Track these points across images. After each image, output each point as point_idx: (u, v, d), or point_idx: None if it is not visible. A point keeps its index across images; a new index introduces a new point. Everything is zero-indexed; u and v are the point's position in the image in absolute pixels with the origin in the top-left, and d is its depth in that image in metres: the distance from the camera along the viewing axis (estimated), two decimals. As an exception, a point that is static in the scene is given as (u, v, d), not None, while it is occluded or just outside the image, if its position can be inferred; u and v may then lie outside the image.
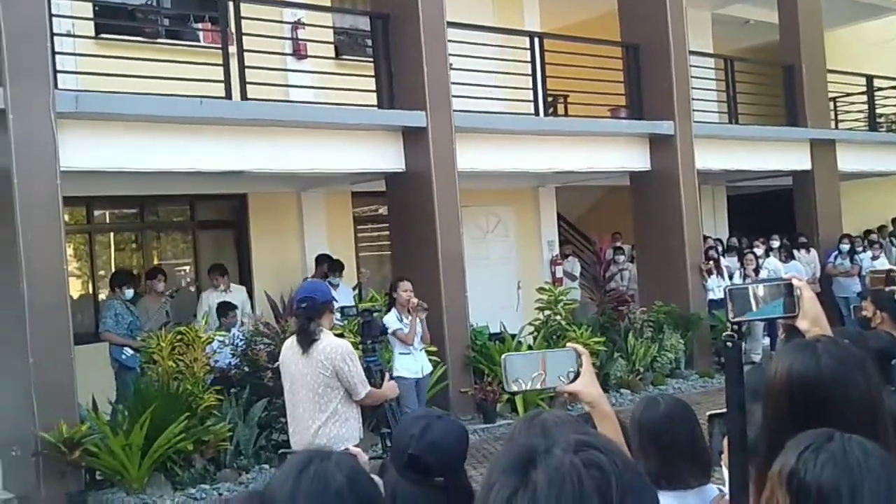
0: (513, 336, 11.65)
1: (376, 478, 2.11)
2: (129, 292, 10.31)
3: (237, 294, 11.46)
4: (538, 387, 2.25)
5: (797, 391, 1.97)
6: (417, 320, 8.95)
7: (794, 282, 2.22)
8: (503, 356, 2.27)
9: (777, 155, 15.66)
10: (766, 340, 14.15)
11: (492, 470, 1.27)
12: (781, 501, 1.63)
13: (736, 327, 2.19)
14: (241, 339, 9.82)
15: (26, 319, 8.11)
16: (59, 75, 8.83)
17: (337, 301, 6.22)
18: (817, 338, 2.09)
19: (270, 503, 1.71)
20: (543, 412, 2.09)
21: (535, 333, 11.86)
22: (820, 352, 2.00)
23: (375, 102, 11.28)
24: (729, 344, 2.17)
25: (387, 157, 11.18)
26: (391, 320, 8.86)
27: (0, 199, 8.28)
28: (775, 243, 16.26)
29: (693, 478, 2.93)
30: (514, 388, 2.20)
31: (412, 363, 9.07)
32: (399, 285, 8.90)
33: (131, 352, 9.91)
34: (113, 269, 12.21)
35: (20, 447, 8.21)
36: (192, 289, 12.76)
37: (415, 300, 8.89)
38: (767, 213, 17.85)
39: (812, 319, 2.20)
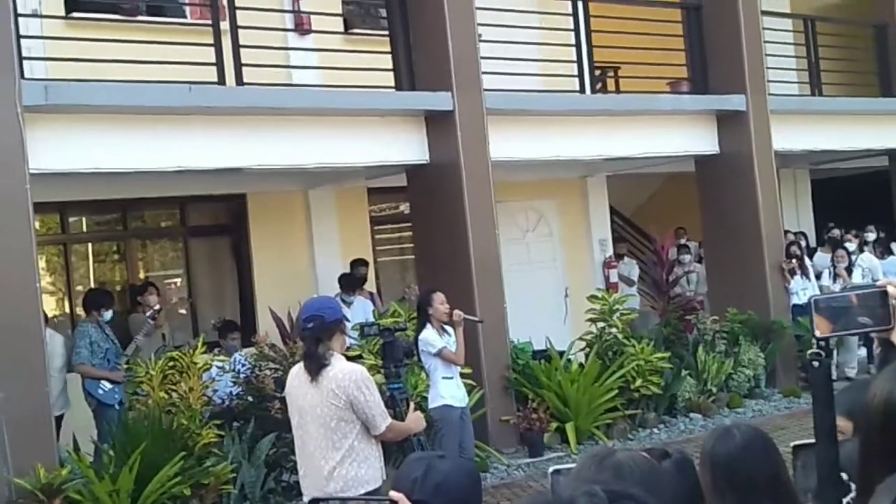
0: (560, 353, 11.65)
1: None
2: (108, 314, 10.38)
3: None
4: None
5: (894, 421, 1.97)
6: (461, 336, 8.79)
7: (890, 289, 2.22)
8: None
9: (869, 131, 15.54)
10: (863, 351, 14.04)
11: None
12: None
13: (823, 343, 2.19)
14: (244, 365, 9.89)
15: (-6, 347, 8.22)
16: (25, 63, 8.94)
17: (350, 320, 6.24)
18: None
19: None
20: (617, 452, 2.10)
21: (587, 349, 11.86)
22: None
23: (393, 83, 11.33)
24: (815, 363, 2.18)
25: (407, 147, 11.22)
26: (433, 337, 8.57)
27: (-39, 207, 8.39)
28: (870, 236, 16.17)
29: None
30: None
31: (457, 389, 8.78)
32: (433, 298, 8.68)
33: (109, 386, 10.00)
34: (92, 284, 12.35)
35: (-9, 496, 8.32)
36: (185, 310, 12.86)
37: (459, 312, 8.74)
38: (860, 200, 17.71)
39: None
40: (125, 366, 10.03)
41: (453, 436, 8.43)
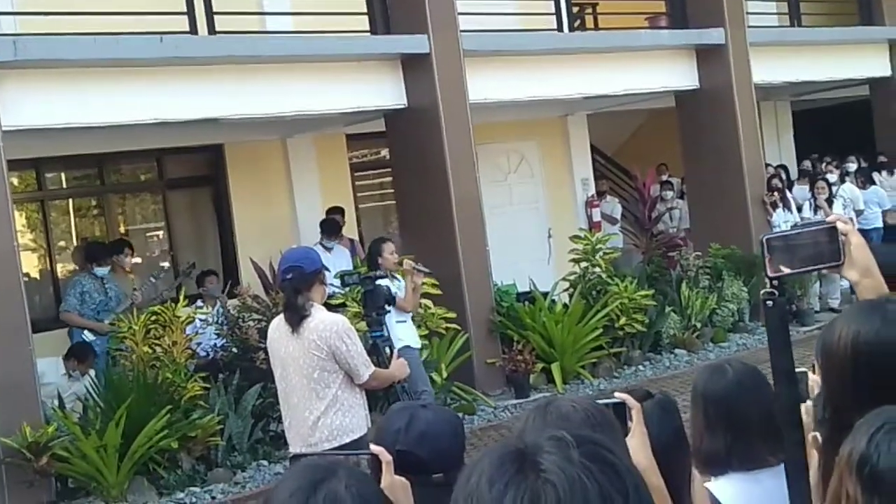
0: (544, 294, 11.69)
1: (404, 480, 2.16)
2: (101, 270, 10.40)
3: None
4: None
5: (863, 360, 1.99)
6: (412, 285, 8.90)
7: (840, 225, 2.22)
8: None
9: (850, 61, 15.51)
10: (846, 283, 14.10)
11: (482, 473, 1.31)
12: (851, 490, 1.65)
13: (776, 282, 2.19)
14: (224, 318, 9.91)
15: (-26, 307, 8.21)
16: (-8, 18, 8.84)
17: (329, 270, 6.24)
18: (888, 298, 2.10)
19: None
20: (559, 399, 2.12)
21: (571, 290, 11.91)
22: (891, 316, 2.01)
23: (367, 27, 11.23)
24: (769, 303, 2.18)
25: (385, 92, 11.16)
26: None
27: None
28: (851, 166, 16.19)
29: (770, 454, 2.94)
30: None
31: (412, 331, 8.95)
32: (383, 247, 8.87)
33: (92, 336, 10.04)
34: (74, 240, 12.34)
35: (-22, 455, 8.35)
36: (166, 263, 12.85)
37: (410, 262, 8.87)
38: (841, 130, 17.71)
39: (863, 270, 2.21)
40: (109, 322, 10.05)
41: (418, 376, 8.53)
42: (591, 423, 1.98)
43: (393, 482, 2.16)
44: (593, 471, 1.27)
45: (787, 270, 2.22)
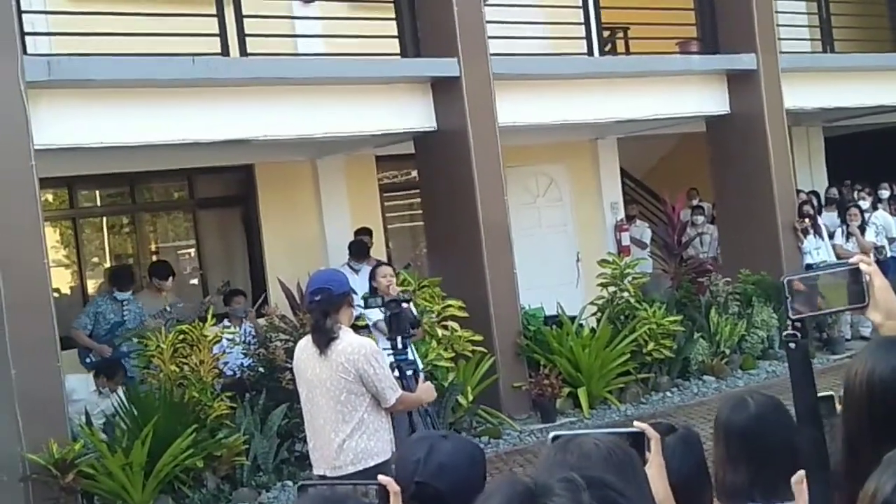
0: (572, 318, 11.64)
1: None
2: (122, 294, 10.46)
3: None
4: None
5: (878, 397, 1.97)
6: None
7: (863, 266, 2.21)
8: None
9: (883, 87, 15.38)
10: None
11: None
12: None
13: (798, 324, 2.18)
14: (253, 336, 9.94)
15: (4, 323, 8.26)
16: (27, 38, 8.93)
17: (357, 293, 6.25)
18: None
19: None
20: (580, 435, 2.10)
21: (599, 314, 11.86)
22: None
23: (398, 50, 11.28)
24: (792, 345, 2.17)
25: (414, 114, 11.19)
26: (370, 311, 8.82)
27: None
28: (884, 193, 16.05)
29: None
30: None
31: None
32: (377, 271, 9.01)
33: (97, 357, 10.15)
34: (106, 257, 12.45)
35: (6, 472, 8.37)
36: (195, 280, 12.92)
37: (397, 288, 8.91)
38: (874, 157, 17.59)
39: (887, 311, 2.19)
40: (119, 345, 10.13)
41: None
42: (612, 462, 1.96)
43: None
44: None
45: (810, 312, 2.21)
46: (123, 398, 9.06)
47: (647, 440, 2.18)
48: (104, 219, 12.88)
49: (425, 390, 6.20)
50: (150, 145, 9.82)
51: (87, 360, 10.23)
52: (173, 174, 12.74)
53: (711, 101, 13.62)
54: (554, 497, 1.27)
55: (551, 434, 2.14)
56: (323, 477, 5.51)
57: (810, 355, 2.21)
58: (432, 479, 2.51)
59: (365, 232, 12.37)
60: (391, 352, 6.68)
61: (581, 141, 15.24)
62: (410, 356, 7.06)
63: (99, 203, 12.99)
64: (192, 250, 13.25)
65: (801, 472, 2.17)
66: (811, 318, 2.21)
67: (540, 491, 1.29)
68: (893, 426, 1.91)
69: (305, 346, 5.77)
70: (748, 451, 2.99)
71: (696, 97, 13.53)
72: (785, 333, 2.19)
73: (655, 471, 2.21)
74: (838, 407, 2.65)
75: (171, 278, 11.05)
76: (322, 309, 5.60)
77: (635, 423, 2.26)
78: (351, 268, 11.27)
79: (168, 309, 10.57)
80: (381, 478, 2.11)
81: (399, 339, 6.83)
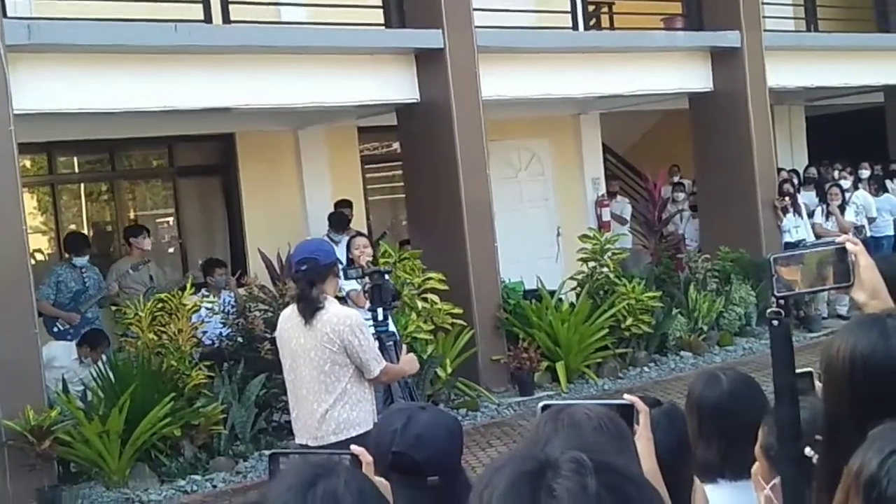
0: (551, 293, 11.68)
1: (383, 481, 2.16)
2: (79, 259, 10.46)
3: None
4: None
5: (860, 374, 1.99)
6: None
7: (849, 246, 2.22)
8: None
9: (866, 67, 15.44)
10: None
11: (494, 488, 1.29)
12: None
13: (782, 302, 2.20)
14: (232, 306, 9.93)
15: (-20, 290, 8.23)
16: (7, 1, 8.84)
17: (342, 263, 6.24)
18: (888, 312, 2.10)
19: None
20: (574, 405, 2.12)
21: (579, 289, 11.90)
22: (890, 329, 2.02)
23: (382, 21, 11.23)
24: (775, 322, 2.18)
25: (397, 86, 11.16)
26: (343, 281, 8.79)
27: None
28: (864, 173, 16.13)
29: None
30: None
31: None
32: (353, 242, 8.94)
33: (64, 326, 10.11)
34: (84, 224, 12.39)
35: (-18, 438, 8.38)
36: (172, 249, 12.89)
37: (368, 259, 8.84)
38: (855, 137, 17.65)
39: (871, 291, 2.21)
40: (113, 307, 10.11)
41: None
42: (603, 433, 1.97)
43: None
44: None
45: (794, 290, 2.23)
46: (102, 367, 9.04)
47: (635, 413, 2.19)
48: (82, 185, 12.81)
49: (408, 362, 6.20)
50: (131, 112, 9.76)
51: (55, 330, 10.20)
52: (153, 142, 12.66)
53: (695, 77, 13.63)
54: (560, 478, 1.26)
55: (541, 403, 2.16)
56: (304, 446, 5.52)
57: (790, 335, 2.23)
58: (409, 449, 2.53)
59: (345, 204, 12.34)
60: (372, 323, 6.66)
61: (564, 116, 15.23)
62: (391, 328, 7.05)
63: (77, 170, 12.91)
64: (171, 219, 13.20)
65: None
66: (796, 296, 2.23)
67: (548, 466, 1.28)
68: (875, 403, 1.92)
69: (290, 315, 5.73)
70: (720, 427, 3.01)
71: (680, 74, 13.53)
72: (769, 311, 2.21)
73: (644, 444, 2.23)
74: (817, 384, 2.69)
75: (146, 237, 10.99)
76: (308, 278, 5.56)
77: (625, 395, 2.27)
78: (331, 239, 11.22)
79: (129, 272, 10.54)
80: (354, 448, 2.10)
81: (380, 310, 6.82)
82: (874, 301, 2.21)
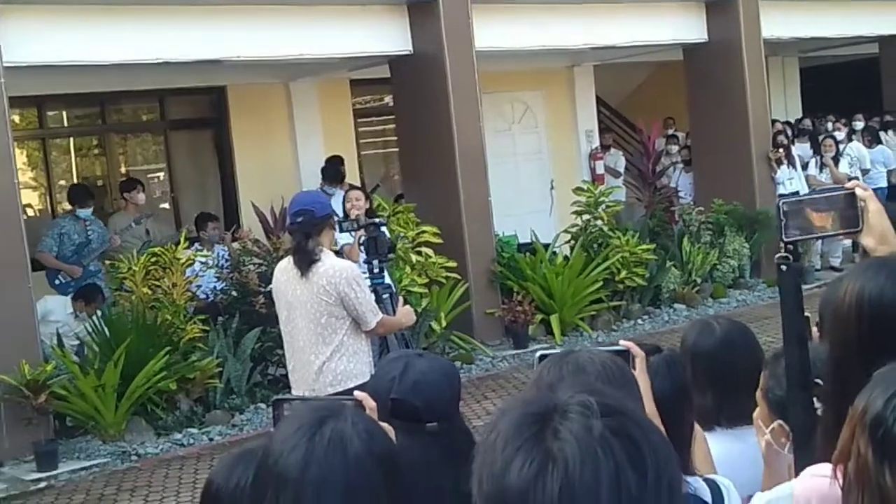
0: (545, 246, 11.69)
1: (386, 425, 2.17)
2: (85, 212, 10.38)
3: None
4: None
5: (867, 317, 2.00)
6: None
7: (858, 192, 2.22)
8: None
9: (860, 17, 15.37)
10: (848, 241, 14.12)
11: (500, 431, 1.29)
12: (863, 449, 1.65)
13: (791, 247, 2.20)
14: (227, 260, 9.92)
15: (-27, 244, 8.21)
16: (-6, -49, 8.75)
17: (338, 215, 6.23)
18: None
19: (274, 469, 1.75)
20: (577, 350, 2.12)
21: (573, 242, 11.91)
22: None
23: (374, -30, 11.14)
24: (783, 267, 2.18)
25: (390, 37, 11.08)
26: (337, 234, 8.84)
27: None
28: (859, 125, 16.09)
29: None
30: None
31: None
32: (348, 195, 8.89)
33: (67, 279, 10.09)
34: (74, 179, 12.33)
35: (-23, 392, 8.39)
36: (167, 204, 12.84)
37: (359, 212, 8.79)
38: (848, 88, 17.62)
39: (879, 236, 2.21)
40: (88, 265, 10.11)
41: None
42: (606, 377, 1.97)
43: None
44: (613, 446, 1.23)
45: (803, 235, 2.23)
46: (98, 322, 9.04)
47: (631, 358, 2.20)
48: (73, 139, 12.74)
49: (405, 314, 6.20)
50: (121, 64, 9.70)
51: (57, 282, 10.17)
52: (144, 95, 12.59)
53: (689, 28, 13.57)
54: (566, 421, 1.26)
55: (538, 353, 2.16)
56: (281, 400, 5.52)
57: (799, 280, 2.24)
58: (408, 395, 2.54)
59: (337, 160, 12.28)
60: (367, 275, 6.66)
61: (557, 68, 15.16)
62: (387, 280, 7.06)
63: (67, 123, 12.84)
64: (163, 174, 13.15)
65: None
66: (804, 241, 2.23)
67: (555, 409, 1.28)
68: (881, 345, 1.93)
69: (286, 267, 5.70)
70: (714, 375, 3.02)
71: (674, 25, 13.46)
72: (777, 256, 2.21)
73: (641, 388, 2.23)
74: (814, 329, 2.70)
75: (140, 191, 10.94)
76: (304, 231, 5.52)
77: (621, 341, 2.28)
78: (325, 192, 11.21)
79: (133, 225, 10.52)
80: (357, 393, 2.10)
81: (376, 262, 6.81)
82: (883, 246, 2.21)
